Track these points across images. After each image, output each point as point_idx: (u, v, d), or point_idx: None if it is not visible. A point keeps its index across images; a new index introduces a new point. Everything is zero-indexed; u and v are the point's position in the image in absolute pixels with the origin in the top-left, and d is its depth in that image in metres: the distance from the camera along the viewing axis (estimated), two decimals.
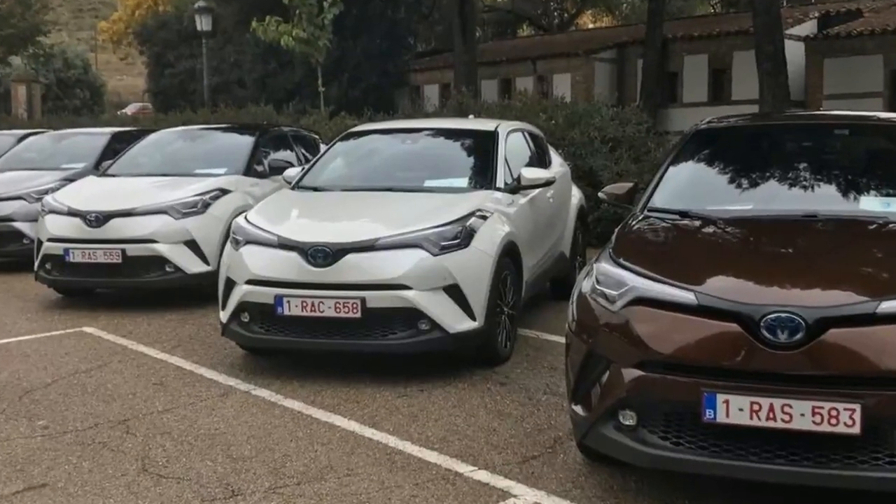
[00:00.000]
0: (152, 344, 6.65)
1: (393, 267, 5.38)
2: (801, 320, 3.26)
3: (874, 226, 4.14)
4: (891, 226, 4.11)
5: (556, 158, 8.13)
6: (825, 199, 4.47)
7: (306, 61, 20.16)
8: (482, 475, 4.08)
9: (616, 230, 4.46)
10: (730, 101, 23.64)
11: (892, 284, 3.42)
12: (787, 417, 3.25)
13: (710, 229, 4.31)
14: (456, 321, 5.44)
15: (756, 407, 3.28)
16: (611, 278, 3.79)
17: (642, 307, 3.58)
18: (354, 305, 5.33)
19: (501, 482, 3.99)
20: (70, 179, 9.94)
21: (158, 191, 8.27)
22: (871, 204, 4.40)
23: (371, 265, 5.39)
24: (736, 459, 3.36)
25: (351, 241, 5.45)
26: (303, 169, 7.17)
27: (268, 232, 5.74)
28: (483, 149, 6.75)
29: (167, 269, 7.80)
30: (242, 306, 5.67)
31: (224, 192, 8.30)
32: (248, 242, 5.77)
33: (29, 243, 9.41)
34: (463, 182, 6.50)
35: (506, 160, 6.60)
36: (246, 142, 9.40)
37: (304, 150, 10.02)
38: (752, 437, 3.35)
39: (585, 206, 8.55)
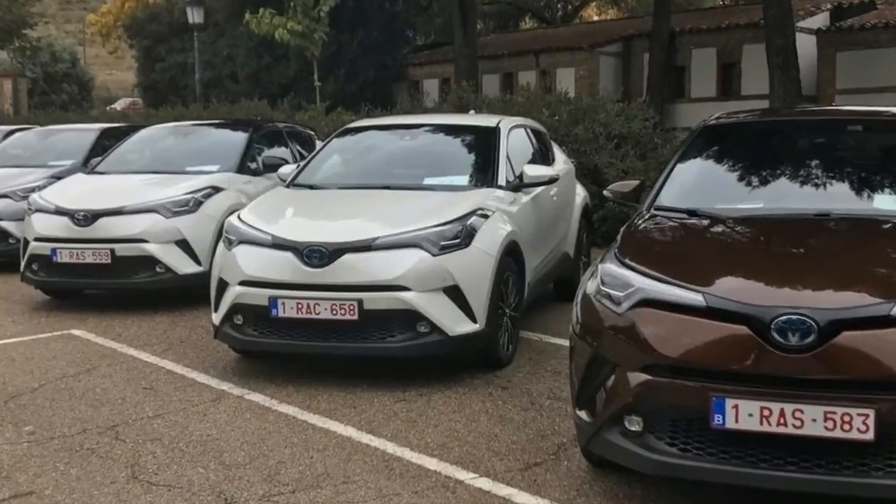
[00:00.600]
0: (142, 347, 6.65)
1: (391, 267, 5.38)
2: (812, 322, 3.26)
3: (888, 225, 4.14)
4: None
5: (559, 155, 8.13)
6: (838, 198, 4.47)
7: (301, 55, 20.17)
8: (483, 483, 4.08)
9: (622, 229, 4.46)
10: (739, 96, 23.65)
11: None
12: (798, 423, 3.24)
13: (718, 228, 4.31)
14: (456, 323, 5.44)
15: (766, 412, 3.28)
16: (616, 279, 3.79)
17: (649, 309, 3.58)
18: (351, 307, 5.33)
19: (503, 490, 3.99)
20: (57, 177, 9.93)
21: (149, 189, 8.27)
22: (885, 202, 4.41)
23: (368, 266, 5.39)
24: (745, 466, 3.36)
25: (348, 241, 5.45)
26: (298, 166, 7.18)
27: (262, 231, 5.74)
28: (484, 145, 6.75)
29: (158, 269, 7.80)
30: (235, 308, 5.66)
31: (216, 190, 8.30)
32: (241, 242, 5.77)
33: (15, 243, 9.40)
34: (463, 180, 6.50)
35: (508, 157, 6.60)
36: (239, 138, 9.40)
37: (299, 147, 10.02)
38: (762, 443, 3.35)
39: (590, 204, 8.55)
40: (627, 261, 3.89)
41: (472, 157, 6.96)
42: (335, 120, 15.37)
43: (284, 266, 5.48)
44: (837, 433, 3.21)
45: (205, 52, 28.47)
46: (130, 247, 7.75)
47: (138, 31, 36.24)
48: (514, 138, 6.99)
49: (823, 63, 22.52)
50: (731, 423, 3.32)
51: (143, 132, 10.12)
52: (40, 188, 9.25)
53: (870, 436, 3.18)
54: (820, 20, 23.88)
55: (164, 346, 6.66)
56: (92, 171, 9.22)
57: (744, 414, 3.30)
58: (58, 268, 7.92)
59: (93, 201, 7.98)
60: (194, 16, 22.32)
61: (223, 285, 5.77)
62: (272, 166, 8.34)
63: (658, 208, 4.61)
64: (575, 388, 3.93)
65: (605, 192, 5.44)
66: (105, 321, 7.52)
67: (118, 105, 41.43)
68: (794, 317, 3.28)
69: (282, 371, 5.85)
